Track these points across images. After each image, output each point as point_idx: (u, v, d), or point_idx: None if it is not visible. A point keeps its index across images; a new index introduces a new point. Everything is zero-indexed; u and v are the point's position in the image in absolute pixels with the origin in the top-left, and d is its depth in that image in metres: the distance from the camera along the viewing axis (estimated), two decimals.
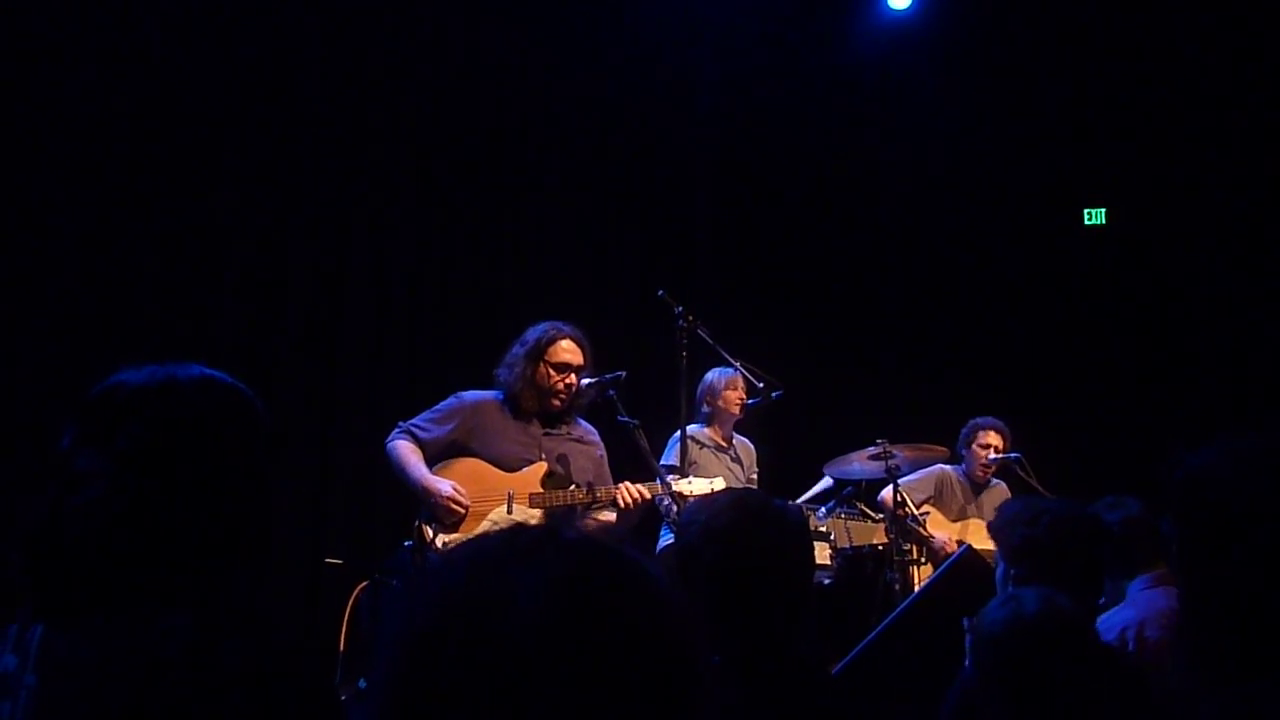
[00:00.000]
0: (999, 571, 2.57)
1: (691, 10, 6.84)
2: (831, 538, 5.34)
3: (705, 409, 5.41)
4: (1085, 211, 7.24)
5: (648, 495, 4.02)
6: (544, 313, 4.37)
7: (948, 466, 5.85)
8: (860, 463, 5.50)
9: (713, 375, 5.39)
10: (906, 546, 5.32)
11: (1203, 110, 6.94)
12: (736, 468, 5.38)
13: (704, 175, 7.22)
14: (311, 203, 5.96)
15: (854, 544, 5.45)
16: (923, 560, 5.46)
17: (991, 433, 5.72)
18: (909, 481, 5.59)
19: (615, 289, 6.62)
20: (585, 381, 4.19)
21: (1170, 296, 7.10)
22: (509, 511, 4.02)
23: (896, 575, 5.16)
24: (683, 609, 0.89)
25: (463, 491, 3.98)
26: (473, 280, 6.29)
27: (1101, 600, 3.11)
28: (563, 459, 4.18)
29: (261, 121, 5.77)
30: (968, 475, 5.82)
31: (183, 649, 1.24)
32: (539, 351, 4.17)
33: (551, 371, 4.16)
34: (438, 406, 4.26)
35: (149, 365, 1.41)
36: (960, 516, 5.75)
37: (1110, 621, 2.84)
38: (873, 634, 3.37)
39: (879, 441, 5.35)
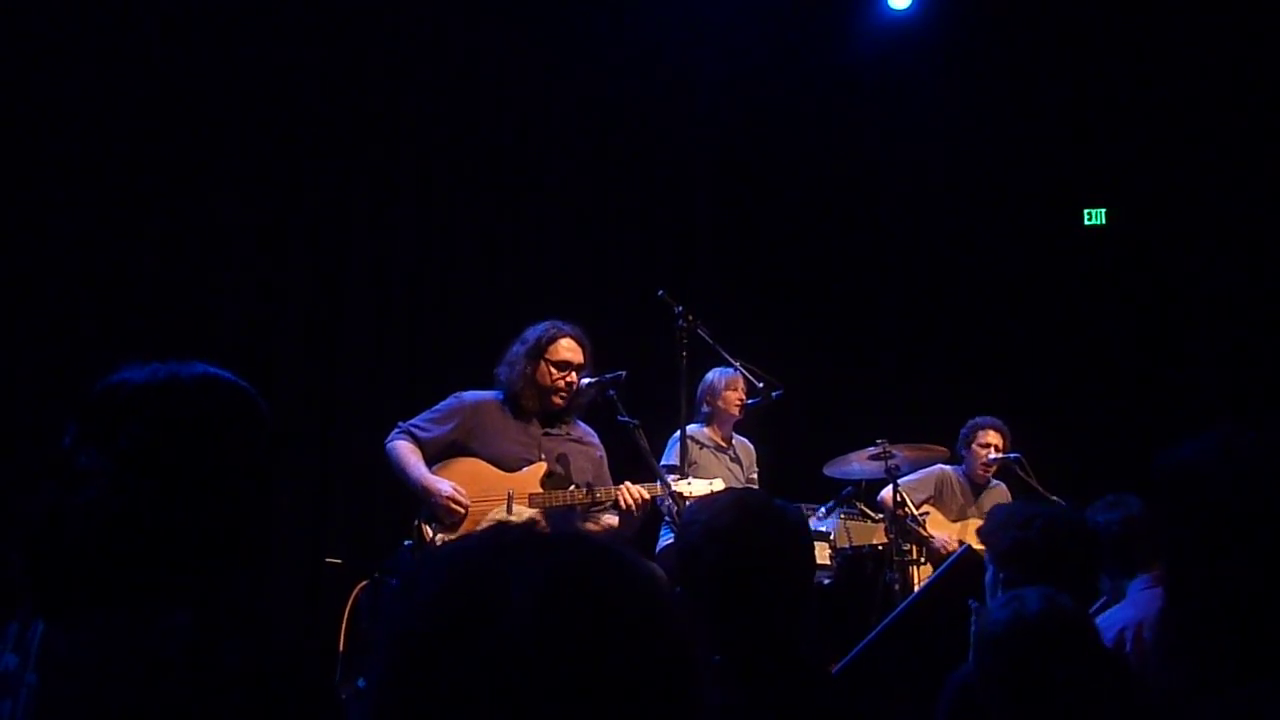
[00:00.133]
0: (988, 576, 2.57)
1: (692, 10, 6.84)
2: (831, 538, 5.34)
3: (705, 409, 5.41)
4: (1085, 212, 7.25)
5: (648, 496, 4.02)
6: (544, 313, 4.36)
7: (947, 467, 5.85)
8: (860, 463, 5.50)
9: (713, 375, 5.39)
10: (906, 546, 5.32)
11: (1203, 110, 6.94)
12: (736, 468, 5.38)
13: (704, 175, 7.22)
14: (311, 203, 5.96)
15: (854, 544, 5.45)
16: (922, 560, 5.46)
17: (992, 432, 5.72)
18: (909, 482, 5.59)
19: (615, 289, 6.62)
20: (585, 381, 4.19)
21: (1170, 296, 7.10)
22: (509, 511, 4.02)
23: (896, 575, 5.16)
24: (674, 604, 0.89)
25: (462, 491, 3.98)
26: (473, 280, 6.29)
27: (1103, 599, 3.12)
28: (562, 459, 4.18)
29: (261, 121, 5.77)
30: (968, 475, 5.82)
31: (183, 648, 1.24)
32: (540, 350, 4.17)
33: (553, 369, 4.16)
34: (437, 406, 4.26)
35: (152, 363, 1.40)
36: (960, 517, 5.75)
37: (1110, 621, 2.84)
38: (872, 634, 3.37)
39: (879, 441, 5.36)
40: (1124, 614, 2.87)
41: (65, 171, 5.22)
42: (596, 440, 4.33)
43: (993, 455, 5.68)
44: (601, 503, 4.10)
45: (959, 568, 3.46)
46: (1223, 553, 1.43)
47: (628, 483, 4.05)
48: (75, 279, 5.19)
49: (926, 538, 5.45)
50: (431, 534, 3.98)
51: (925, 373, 7.10)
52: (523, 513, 4.02)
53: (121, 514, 1.30)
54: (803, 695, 1.86)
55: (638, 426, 4.16)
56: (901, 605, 3.66)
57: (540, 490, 4.08)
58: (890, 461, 5.31)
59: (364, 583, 4.25)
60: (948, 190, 7.38)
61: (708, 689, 1.74)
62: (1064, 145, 7.24)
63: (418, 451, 4.11)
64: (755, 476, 5.50)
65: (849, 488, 5.61)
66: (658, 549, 5.04)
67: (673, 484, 4.08)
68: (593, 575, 0.85)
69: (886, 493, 5.47)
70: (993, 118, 7.22)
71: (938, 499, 5.80)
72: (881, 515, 5.55)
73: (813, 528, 5.34)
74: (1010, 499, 5.81)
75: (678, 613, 0.88)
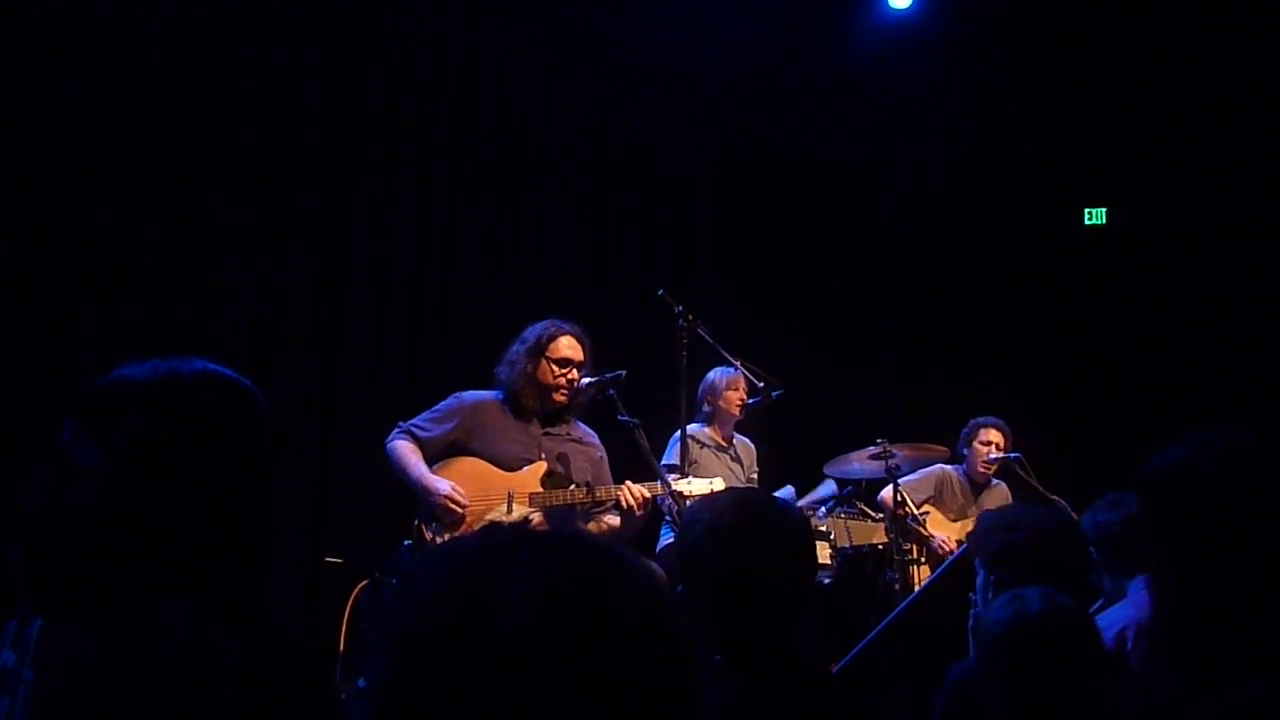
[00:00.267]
0: (979, 579, 2.57)
1: (692, 10, 6.84)
2: (832, 537, 5.34)
3: (706, 408, 5.41)
4: (1085, 211, 7.25)
5: (649, 495, 4.02)
6: (544, 312, 4.37)
7: (948, 466, 5.85)
8: (860, 462, 5.50)
9: (714, 375, 5.39)
10: (906, 546, 5.33)
11: (1203, 110, 6.94)
12: (736, 467, 5.38)
13: (704, 175, 7.22)
14: (311, 203, 5.95)
15: (854, 543, 5.45)
16: (922, 560, 5.47)
17: (993, 431, 5.72)
18: (909, 481, 5.60)
19: (615, 289, 6.62)
20: (585, 381, 4.19)
21: (1170, 296, 7.10)
22: (509, 511, 4.03)
23: (896, 575, 5.16)
24: (674, 604, 0.89)
25: (461, 491, 3.98)
26: (473, 280, 6.29)
27: (1102, 600, 3.12)
28: (562, 458, 4.18)
29: (262, 121, 5.77)
30: (968, 475, 5.83)
31: (181, 645, 1.24)
32: (540, 348, 4.17)
33: (554, 367, 4.16)
34: (437, 407, 4.26)
35: (151, 360, 1.40)
36: (960, 516, 5.75)
37: (1110, 620, 2.84)
38: (873, 633, 3.38)
39: (879, 441, 5.36)
40: (1124, 614, 2.87)
41: (65, 171, 5.22)
42: (597, 440, 4.33)
43: (993, 454, 5.68)
44: (602, 502, 4.10)
45: (959, 567, 3.46)
46: (1210, 555, 1.43)
47: (629, 482, 4.05)
48: (75, 278, 5.19)
49: (927, 537, 5.46)
50: (431, 534, 3.99)
51: (925, 373, 7.10)
52: (523, 512, 4.02)
53: (119, 511, 1.30)
54: (803, 695, 1.86)
55: (638, 426, 4.16)
56: (902, 604, 3.66)
57: (540, 490, 4.08)
58: (890, 461, 5.32)
59: (364, 582, 4.25)
60: (948, 190, 7.38)
61: (708, 688, 1.74)
62: (1064, 145, 7.24)
63: (418, 451, 4.11)
64: (756, 476, 5.50)
65: (849, 487, 5.61)
66: (658, 548, 5.04)
67: (673, 483, 4.09)
68: (592, 575, 0.85)
69: (887, 492, 5.47)
70: (993, 117, 7.22)
71: (938, 499, 5.81)
72: (882, 515, 5.56)
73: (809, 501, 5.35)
74: (1010, 499, 5.82)
75: (678, 612, 0.88)
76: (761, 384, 5.03)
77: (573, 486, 4.11)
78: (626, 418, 4.15)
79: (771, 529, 1.91)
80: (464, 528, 3.98)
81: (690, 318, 4.59)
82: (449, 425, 4.17)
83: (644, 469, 4.14)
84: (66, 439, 1.34)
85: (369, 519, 5.61)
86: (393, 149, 6.23)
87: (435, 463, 4.11)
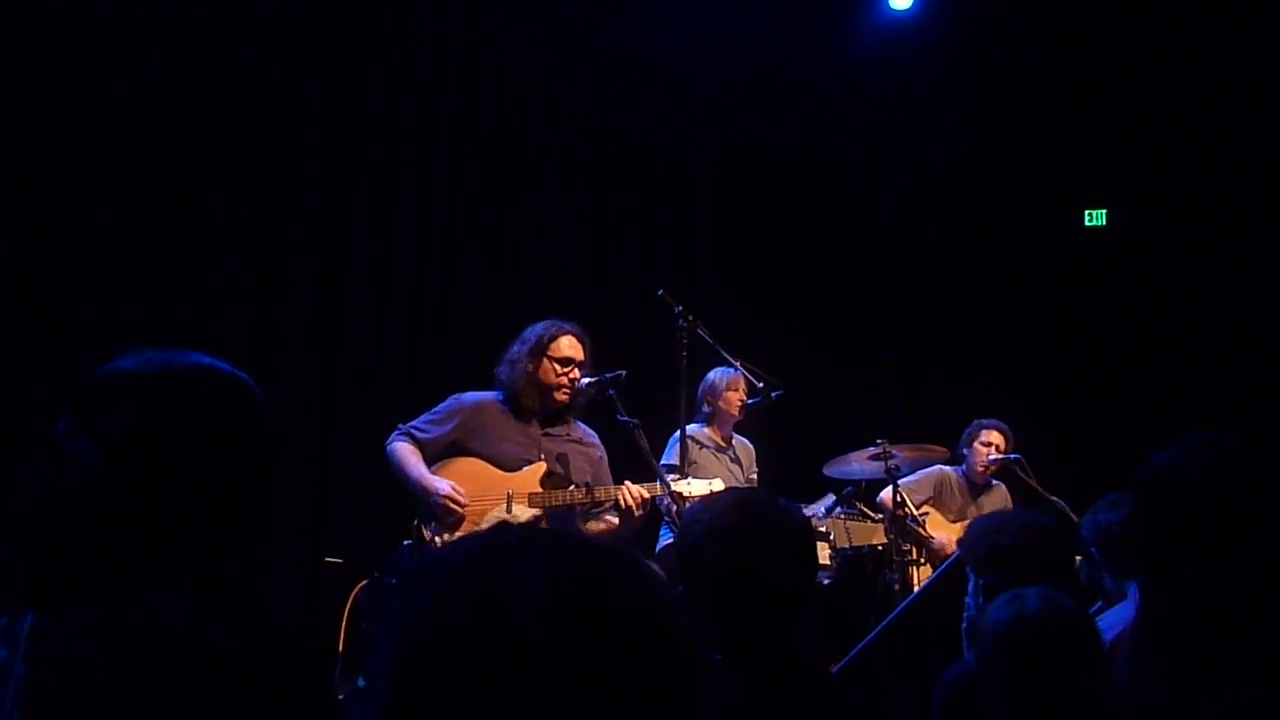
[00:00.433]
0: (970, 584, 2.59)
1: (692, 9, 6.84)
2: (831, 538, 5.34)
3: (706, 409, 5.41)
4: (1086, 212, 7.25)
5: (648, 496, 4.02)
6: (544, 313, 4.37)
7: (947, 467, 5.85)
8: (860, 463, 5.50)
9: (714, 375, 5.38)
10: (906, 547, 5.33)
11: (1203, 110, 6.94)
12: (736, 468, 5.38)
13: (704, 175, 7.21)
14: (311, 202, 5.95)
15: (854, 544, 5.45)
16: (922, 561, 5.47)
17: (994, 432, 5.73)
18: (908, 482, 5.60)
19: (615, 289, 6.62)
20: (585, 381, 4.19)
21: (1170, 297, 7.10)
22: (508, 511, 4.03)
23: (896, 575, 5.16)
24: (676, 603, 0.89)
25: (460, 491, 3.98)
26: (473, 280, 6.29)
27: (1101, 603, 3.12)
28: (562, 459, 4.18)
29: (262, 121, 5.77)
30: (967, 476, 5.83)
31: (176, 640, 1.24)
32: (541, 347, 4.18)
33: (556, 366, 4.17)
34: (437, 408, 4.26)
35: (147, 352, 1.39)
36: (960, 517, 5.75)
37: (1111, 621, 2.84)
38: (872, 634, 3.38)
39: (879, 442, 5.36)
40: (1125, 614, 2.86)
41: (65, 171, 5.22)
42: (596, 440, 4.33)
43: (993, 456, 5.68)
44: (601, 502, 4.10)
45: (958, 568, 3.46)
46: (1208, 556, 1.43)
47: (628, 482, 4.05)
48: (75, 278, 5.19)
49: (926, 538, 5.46)
50: (430, 534, 3.99)
51: (925, 373, 7.11)
52: (522, 513, 4.02)
53: (112, 505, 1.29)
54: (804, 695, 1.86)
55: (638, 426, 4.17)
56: (901, 605, 3.67)
57: (540, 490, 4.08)
58: (890, 462, 5.32)
59: (364, 582, 4.25)
60: (948, 191, 7.38)
61: (711, 688, 1.74)
62: (1064, 146, 7.24)
63: (417, 453, 4.11)
64: (755, 476, 5.50)
65: (849, 487, 5.61)
66: (657, 549, 5.04)
67: (672, 484, 4.09)
68: (595, 575, 0.85)
69: (886, 493, 5.48)
70: (993, 118, 7.22)
71: (937, 499, 5.81)
72: (881, 515, 5.56)
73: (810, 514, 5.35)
74: (1010, 500, 5.83)
75: (680, 612, 0.89)
76: (761, 384, 5.03)
77: (572, 487, 4.11)
78: (626, 418, 4.15)
79: (772, 529, 1.91)
80: (463, 528, 3.99)
81: (690, 318, 4.59)
82: (448, 427, 4.17)
83: (643, 469, 4.15)
84: (61, 432, 1.34)
85: (369, 519, 5.61)
86: (393, 149, 6.23)
87: (434, 464, 4.11)
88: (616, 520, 4.09)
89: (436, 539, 3.97)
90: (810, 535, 2.10)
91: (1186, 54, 6.93)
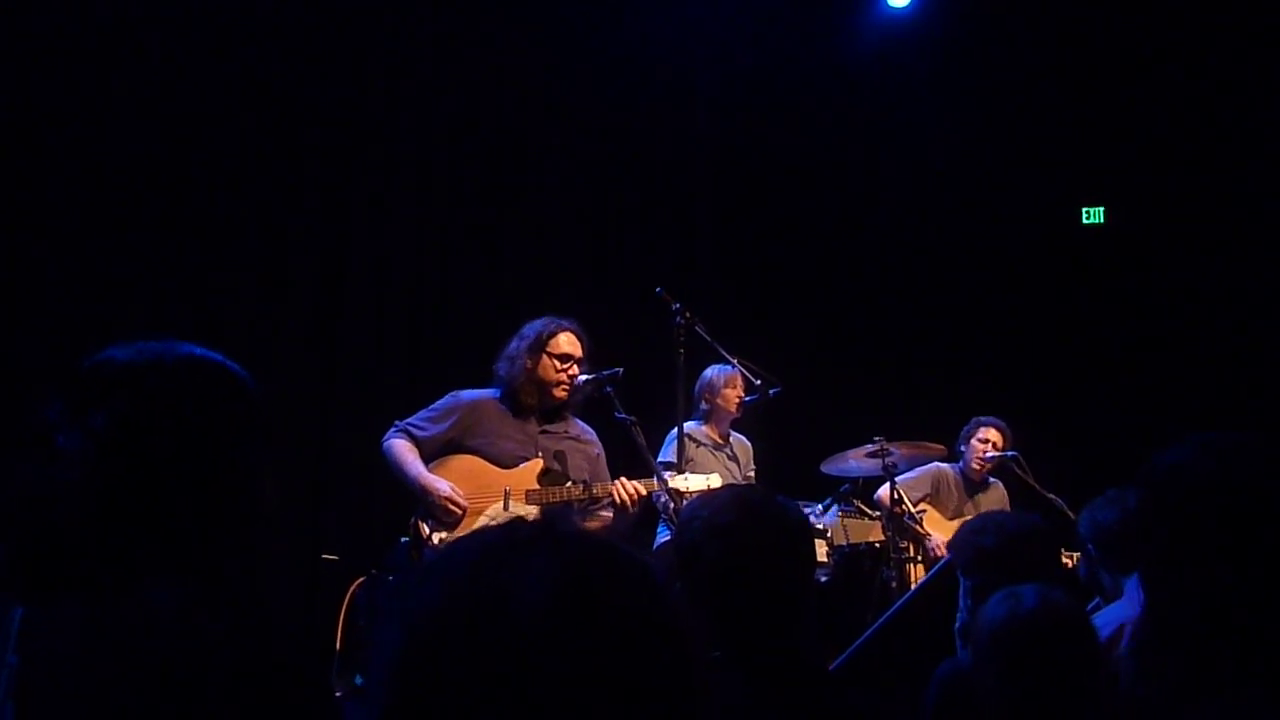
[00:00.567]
0: (961, 585, 2.60)
1: (691, 8, 6.83)
2: (828, 535, 5.34)
3: (704, 406, 5.41)
4: (1084, 210, 7.25)
5: (644, 491, 4.03)
6: (543, 310, 4.38)
7: (945, 465, 5.86)
8: (857, 460, 5.50)
9: (712, 372, 5.38)
10: (903, 544, 5.34)
11: (1201, 108, 6.94)
12: (733, 465, 5.38)
13: (703, 173, 7.21)
14: (311, 201, 5.95)
15: (851, 541, 5.45)
16: (919, 558, 5.47)
17: (992, 430, 5.74)
18: (906, 479, 5.60)
19: (613, 286, 6.62)
20: (582, 378, 4.20)
21: (1169, 295, 7.10)
22: (505, 508, 4.03)
23: (893, 573, 5.17)
24: (679, 603, 0.89)
25: (460, 492, 3.98)
26: (472, 279, 6.29)
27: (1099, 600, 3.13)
28: (559, 456, 4.18)
29: (262, 121, 5.76)
30: (965, 473, 5.84)
31: (167, 629, 1.23)
32: (541, 344, 4.18)
33: (555, 362, 4.17)
34: (434, 405, 4.26)
35: (139, 342, 1.39)
36: (957, 514, 5.75)
37: (1108, 618, 2.85)
38: (869, 631, 3.38)
39: (876, 439, 5.36)
40: (1122, 611, 2.87)
41: (65, 170, 5.21)
42: (594, 438, 4.33)
43: (990, 453, 5.69)
44: (599, 499, 4.10)
45: (954, 566, 3.47)
46: (1212, 556, 1.43)
47: (623, 478, 4.06)
48: (75, 277, 5.18)
49: (923, 535, 5.46)
50: (428, 531, 3.99)
51: (923, 370, 7.11)
52: (520, 510, 4.02)
53: (101, 495, 1.29)
54: (803, 693, 1.86)
55: (635, 423, 4.17)
56: (898, 603, 3.67)
57: (537, 487, 4.08)
58: (888, 459, 5.32)
59: (361, 579, 4.25)
60: (946, 188, 7.38)
61: (714, 684, 1.74)
62: (1062, 144, 7.24)
63: (415, 450, 4.12)
64: (752, 474, 5.50)
65: (846, 485, 5.61)
66: (655, 546, 5.04)
67: (670, 480, 4.09)
68: (598, 571, 0.85)
69: (884, 490, 5.48)
70: (991, 116, 7.22)
71: (935, 497, 5.81)
72: (879, 513, 5.56)
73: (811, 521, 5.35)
74: (1007, 497, 5.83)
75: (681, 608, 0.88)
76: (759, 382, 5.02)
77: (569, 484, 4.11)
78: (623, 415, 4.16)
79: (771, 526, 1.91)
80: (461, 527, 3.99)
81: (688, 315, 4.59)
82: (446, 424, 4.17)
83: (641, 466, 4.15)
84: (53, 420, 1.34)
85: (366, 516, 5.61)
86: (393, 148, 6.22)
87: (432, 461, 4.11)
88: (610, 516, 4.10)
89: (435, 536, 3.97)
90: (808, 533, 2.10)
91: (1184, 51, 6.93)
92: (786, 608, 1.88)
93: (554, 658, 0.79)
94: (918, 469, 5.79)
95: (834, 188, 7.37)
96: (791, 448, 6.00)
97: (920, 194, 7.42)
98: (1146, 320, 7.13)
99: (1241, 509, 1.43)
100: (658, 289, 4.64)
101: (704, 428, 5.38)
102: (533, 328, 4.23)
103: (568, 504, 4.07)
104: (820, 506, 5.50)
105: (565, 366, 4.18)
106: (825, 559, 5.23)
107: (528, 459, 4.14)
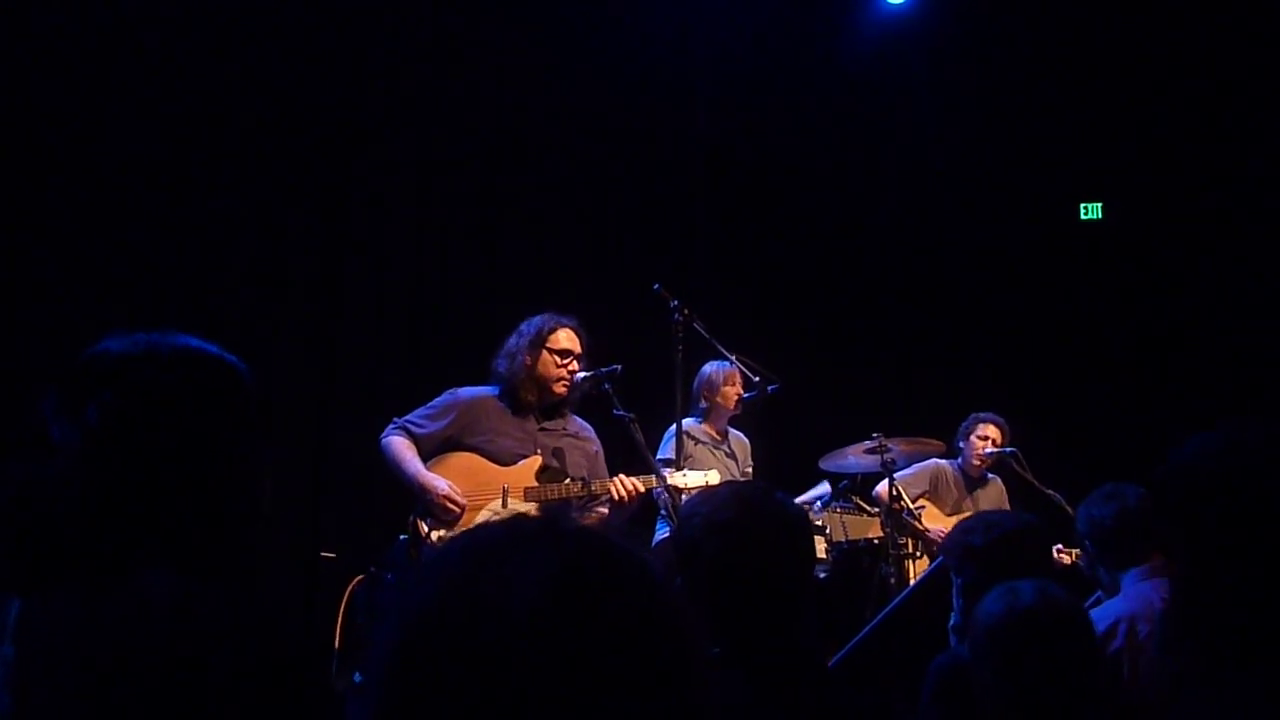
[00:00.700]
0: (954, 583, 2.61)
1: (689, 7, 6.83)
2: (827, 531, 5.35)
3: (702, 403, 5.41)
4: (1082, 206, 7.26)
5: (642, 488, 4.03)
6: (541, 307, 4.37)
7: (943, 461, 5.86)
8: (856, 456, 5.51)
9: (711, 369, 5.38)
10: (902, 540, 5.34)
11: (1201, 106, 6.95)
12: (731, 462, 5.38)
13: (701, 170, 7.21)
14: (311, 201, 5.95)
15: (849, 538, 5.46)
16: (918, 554, 5.48)
17: (990, 426, 5.75)
18: (904, 475, 5.61)
19: (611, 283, 6.62)
20: (580, 375, 4.20)
21: (1167, 292, 7.11)
22: (504, 506, 4.03)
23: (892, 569, 5.17)
24: (679, 600, 0.89)
25: (458, 490, 3.99)
26: (471, 277, 6.29)
27: (1097, 594, 3.14)
28: (558, 453, 4.18)
29: (262, 120, 5.75)
30: (963, 469, 5.85)
31: (162, 619, 1.23)
32: (540, 340, 4.18)
33: (555, 358, 4.18)
34: (432, 403, 4.26)
35: (135, 334, 1.39)
36: (956, 510, 5.76)
37: (1104, 614, 2.85)
38: (868, 627, 3.39)
39: (875, 435, 5.37)
40: (1118, 607, 2.88)
41: (66, 169, 5.20)
42: (593, 435, 4.34)
43: (988, 449, 5.70)
44: (597, 496, 4.11)
45: None
46: (1235, 543, 1.43)
47: (621, 474, 4.06)
48: (75, 276, 5.18)
49: (922, 531, 5.47)
50: (427, 529, 3.99)
51: (921, 367, 7.12)
52: (518, 507, 4.03)
53: (95, 486, 1.29)
54: (804, 689, 1.86)
55: (633, 420, 4.17)
56: (897, 599, 3.68)
57: (535, 484, 4.08)
58: (886, 455, 5.33)
59: (359, 577, 4.25)
60: (944, 185, 7.38)
61: (715, 680, 1.75)
62: (1060, 140, 7.24)
63: (413, 448, 4.11)
64: (751, 470, 5.51)
65: (845, 481, 5.62)
66: (654, 542, 5.04)
67: (669, 477, 4.09)
68: (598, 568, 0.85)
69: (882, 486, 5.48)
70: (989, 113, 7.23)
71: (933, 493, 5.82)
72: (877, 509, 5.57)
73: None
74: (1005, 494, 5.84)
75: (680, 604, 0.89)
76: (757, 378, 5.02)
77: (568, 481, 4.11)
78: (622, 412, 4.16)
79: (770, 523, 1.91)
80: (459, 525, 3.99)
81: (686, 312, 4.59)
82: (444, 421, 4.17)
83: (639, 463, 4.15)
84: (48, 412, 1.34)
85: (365, 514, 5.60)
86: (392, 148, 6.22)
87: (430, 459, 4.11)
88: (606, 512, 4.10)
89: (433, 534, 3.97)
90: (808, 529, 2.10)
91: (1183, 48, 6.93)
92: (786, 604, 1.89)
93: (553, 654, 0.79)
94: (916, 465, 5.80)
95: (832, 185, 7.37)
96: (790, 444, 6.00)
97: (918, 190, 7.42)
98: (1144, 316, 7.14)
99: (1253, 502, 1.43)
100: (656, 286, 4.64)
101: (702, 425, 5.38)
102: (532, 324, 4.23)
103: (566, 501, 4.08)
104: (819, 503, 5.50)
105: (565, 362, 4.18)
106: (824, 555, 5.24)
107: (526, 456, 4.14)
